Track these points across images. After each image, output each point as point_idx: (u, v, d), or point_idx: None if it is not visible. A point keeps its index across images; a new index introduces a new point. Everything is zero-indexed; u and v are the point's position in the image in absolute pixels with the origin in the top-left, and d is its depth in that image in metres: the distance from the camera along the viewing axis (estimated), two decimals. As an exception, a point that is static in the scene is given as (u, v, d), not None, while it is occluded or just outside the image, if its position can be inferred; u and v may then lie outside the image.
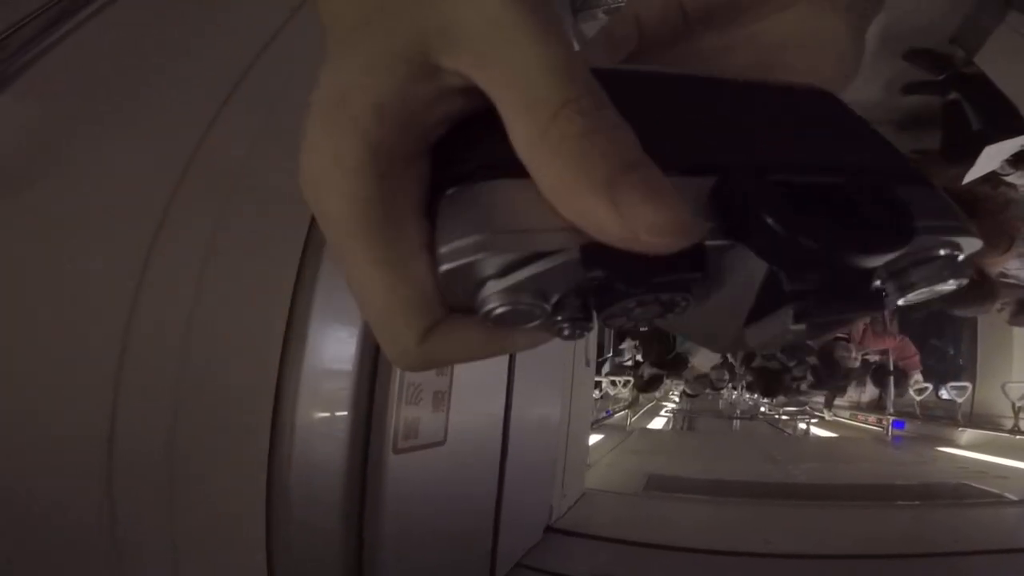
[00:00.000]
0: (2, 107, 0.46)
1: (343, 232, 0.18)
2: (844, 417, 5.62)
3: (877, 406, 5.05)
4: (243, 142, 0.67)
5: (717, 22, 0.28)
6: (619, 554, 1.57)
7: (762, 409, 6.44)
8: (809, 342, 4.16)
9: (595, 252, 0.16)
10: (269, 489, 0.71)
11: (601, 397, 4.87)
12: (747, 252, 0.17)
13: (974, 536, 1.71)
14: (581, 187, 0.15)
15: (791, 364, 4.91)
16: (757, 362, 5.13)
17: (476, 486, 1.23)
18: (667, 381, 5.70)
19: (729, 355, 5.27)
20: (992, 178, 2.36)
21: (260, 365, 0.70)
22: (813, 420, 5.68)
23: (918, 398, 4.20)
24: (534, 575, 1.40)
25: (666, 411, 6.45)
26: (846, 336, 4.07)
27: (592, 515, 1.89)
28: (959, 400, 3.95)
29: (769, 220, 0.16)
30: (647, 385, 5.00)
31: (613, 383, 5.09)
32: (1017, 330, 3.65)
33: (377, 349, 0.89)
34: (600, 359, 3.97)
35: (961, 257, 0.20)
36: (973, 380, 4.02)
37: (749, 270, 0.19)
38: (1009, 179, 2.52)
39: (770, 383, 5.15)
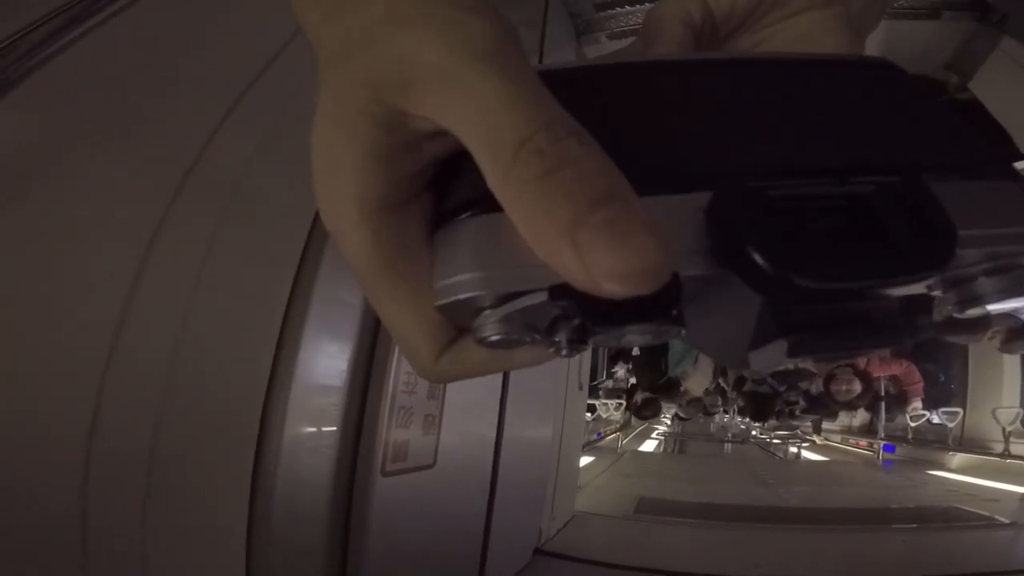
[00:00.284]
0: (2, 113, 0.46)
1: (357, 272, 0.20)
2: (835, 441, 5.63)
3: (868, 430, 5.07)
4: (242, 155, 0.68)
5: (741, 25, 0.29)
6: (609, 577, 1.55)
7: (753, 433, 6.44)
8: (811, 368, 4.18)
9: (561, 292, 0.15)
10: (252, 503, 0.70)
11: (593, 419, 4.86)
12: (738, 287, 0.16)
13: (966, 559, 1.70)
14: (546, 231, 0.15)
15: (781, 389, 4.93)
16: (748, 386, 5.14)
17: (465, 508, 1.22)
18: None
19: (720, 380, 5.28)
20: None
21: (250, 376, 0.71)
22: (804, 444, 5.68)
23: (913, 424, 4.22)
24: (523, 598, 1.38)
25: (657, 434, 6.44)
26: (850, 363, 4.08)
27: (582, 538, 1.87)
28: (950, 425, 3.98)
29: (755, 256, 0.15)
30: (642, 409, 4.99)
31: (606, 406, 5.08)
32: (1007, 357, 3.69)
33: (369, 368, 0.89)
34: (593, 383, 3.97)
35: None
36: (964, 405, 4.05)
37: (748, 295, 0.17)
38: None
39: (760, 408, 5.15)
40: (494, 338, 0.18)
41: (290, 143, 0.69)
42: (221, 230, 0.64)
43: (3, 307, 0.47)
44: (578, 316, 0.16)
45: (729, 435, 6.37)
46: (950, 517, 2.37)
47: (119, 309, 0.54)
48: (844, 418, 5.36)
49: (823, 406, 4.60)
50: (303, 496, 0.79)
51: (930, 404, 4.18)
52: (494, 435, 1.30)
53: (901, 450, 4.42)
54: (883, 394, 4.43)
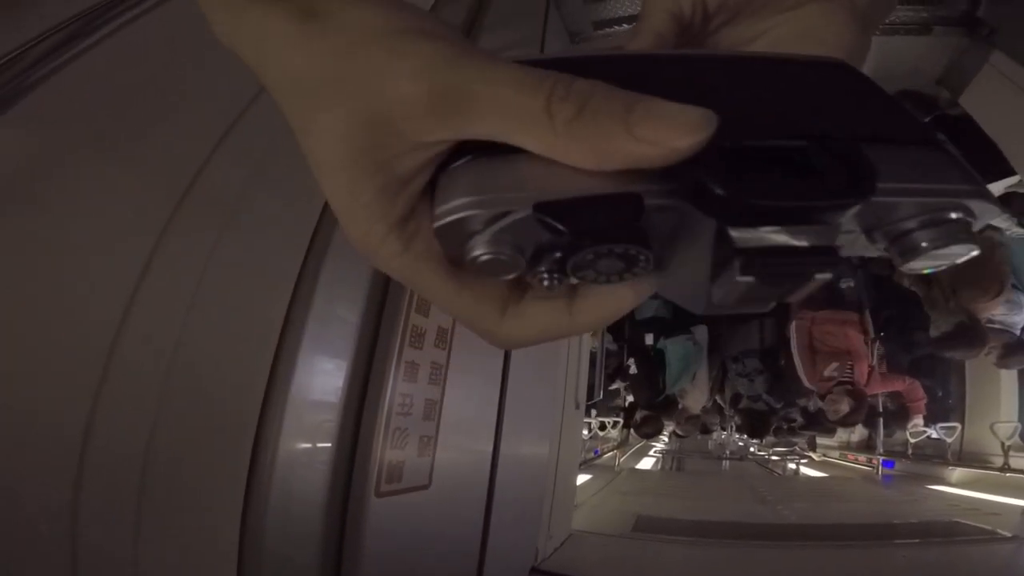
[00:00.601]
0: (4, 127, 0.47)
1: (405, 281, 0.23)
2: (834, 457, 5.62)
3: (867, 446, 5.06)
4: (240, 172, 0.69)
5: (734, 17, 0.31)
6: (606, 597, 1.54)
7: (751, 450, 6.42)
8: (812, 388, 4.17)
9: (543, 207, 0.19)
10: (244, 521, 0.70)
11: (591, 437, 4.83)
12: (695, 215, 0.19)
13: (970, 573, 1.70)
14: (607, 145, 0.18)
15: (778, 406, 4.93)
16: (744, 404, 5.14)
17: (460, 528, 1.21)
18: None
19: (717, 397, 5.27)
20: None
21: (245, 393, 0.71)
22: (803, 460, 5.66)
23: (913, 440, 4.22)
24: (519, 618, 1.37)
25: (655, 451, 6.42)
26: (850, 380, 4.07)
27: (579, 557, 1.86)
28: (948, 440, 3.98)
29: (709, 184, 0.18)
30: (642, 427, 4.97)
31: (603, 425, 5.06)
32: (1004, 372, 3.71)
33: (364, 388, 0.90)
34: (590, 401, 3.97)
35: (976, 223, 0.20)
36: (962, 420, 4.06)
37: (701, 227, 0.20)
38: (995, 223, 2.58)
39: (756, 424, 5.14)
40: (484, 257, 0.20)
41: (286, 161, 0.70)
42: (219, 245, 0.65)
43: (3, 312, 0.47)
44: (558, 226, 0.19)
45: (727, 452, 6.35)
46: (952, 532, 2.36)
47: (117, 320, 0.55)
48: (842, 434, 5.35)
49: (820, 423, 4.60)
50: (297, 515, 0.79)
51: (929, 419, 4.19)
52: (490, 454, 1.30)
53: (900, 465, 4.41)
54: (881, 410, 4.43)
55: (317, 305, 0.79)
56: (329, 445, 0.84)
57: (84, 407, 0.52)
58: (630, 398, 5.15)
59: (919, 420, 4.16)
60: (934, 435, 4.13)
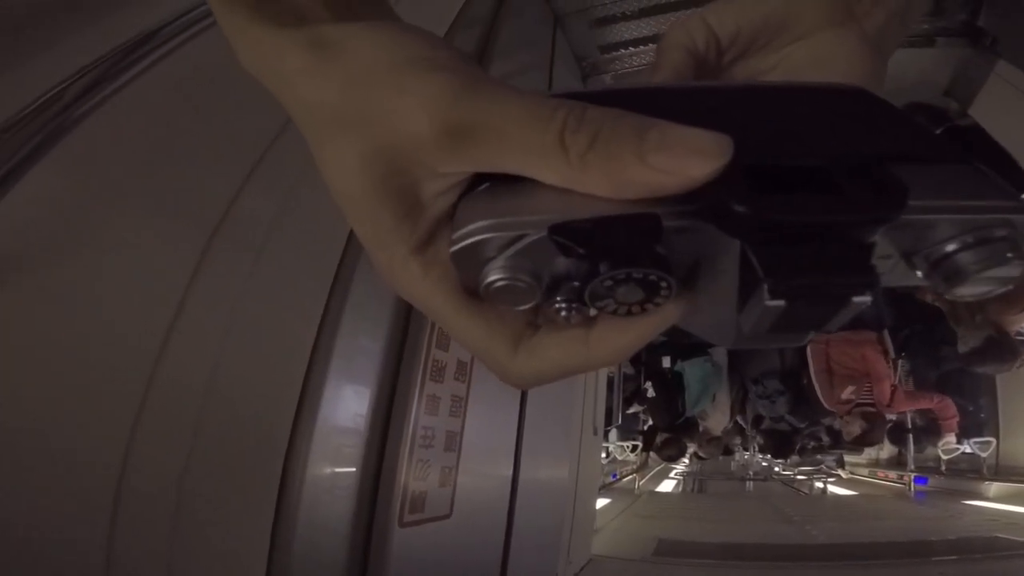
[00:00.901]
0: (48, 168, 0.50)
1: (422, 307, 0.23)
2: (863, 475, 5.55)
3: (897, 463, 5.00)
4: (269, 207, 0.73)
5: (749, 48, 0.31)
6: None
7: (776, 469, 6.34)
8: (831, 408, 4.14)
9: (558, 228, 0.19)
10: (272, 547, 0.73)
11: (609, 461, 4.81)
12: (718, 237, 0.19)
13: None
14: (622, 175, 0.18)
15: (801, 426, 4.89)
16: (766, 424, 5.10)
17: (481, 555, 1.23)
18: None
19: (739, 418, 5.23)
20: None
21: (275, 424, 0.74)
22: (830, 479, 5.59)
23: (946, 457, 4.16)
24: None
25: (675, 473, 6.36)
26: (869, 402, 4.04)
27: (600, 582, 1.85)
28: (983, 455, 3.93)
29: (730, 202, 0.18)
30: (663, 449, 4.94)
31: (622, 448, 5.04)
32: (1037, 384, 3.67)
33: (387, 421, 0.93)
34: (608, 427, 3.96)
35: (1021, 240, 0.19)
36: (996, 434, 4.00)
37: (726, 252, 0.20)
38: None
39: (780, 445, 5.10)
40: (500, 282, 0.20)
41: (313, 191, 0.74)
42: (251, 276, 0.69)
43: (44, 349, 0.51)
44: (574, 246, 0.19)
45: (750, 473, 6.27)
46: (993, 547, 2.33)
47: (156, 351, 0.58)
48: (871, 451, 5.30)
49: (845, 442, 4.56)
50: (322, 544, 0.82)
51: (961, 435, 4.12)
52: (509, 482, 1.32)
53: (934, 481, 4.34)
54: (910, 426, 4.38)
55: (342, 339, 0.82)
56: (354, 477, 0.87)
57: (122, 439, 0.56)
58: (649, 421, 5.13)
59: (951, 438, 4.10)
60: (968, 450, 4.07)
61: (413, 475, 0.93)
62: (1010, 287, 0.20)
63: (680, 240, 0.20)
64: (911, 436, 4.38)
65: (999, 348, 3.11)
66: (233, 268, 0.67)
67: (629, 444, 5.10)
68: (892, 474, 4.92)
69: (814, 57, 0.30)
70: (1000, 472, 3.87)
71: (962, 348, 3.28)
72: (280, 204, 0.73)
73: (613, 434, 4.90)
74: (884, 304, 3.94)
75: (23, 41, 0.53)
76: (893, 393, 3.93)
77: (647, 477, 5.50)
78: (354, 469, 0.87)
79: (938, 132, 0.23)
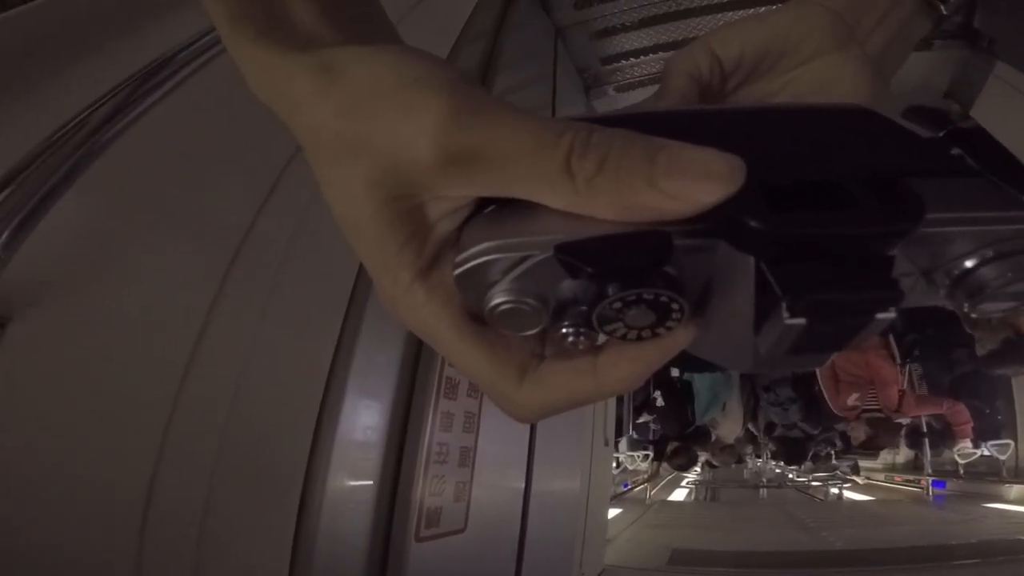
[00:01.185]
0: (70, 200, 0.51)
1: (423, 335, 0.23)
2: (879, 479, 5.52)
3: (913, 467, 4.97)
4: (287, 226, 0.75)
5: (753, 73, 0.32)
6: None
7: (790, 476, 6.32)
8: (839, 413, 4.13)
9: (564, 248, 0.19)
10: (294, 557, 0.75)
11: (620, 471, 4.81)
12: (732, 256, 0.19)
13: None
14: (632, 200, 0.18)
15: (815, 432, 4.88)
16: (779, 432, 5.09)
17: (495, 567, 1.25)
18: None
19: (751, 426, 5.22)
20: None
21: (294, 445, 0.76)
22: (846, 484, 5.58)
23: (963, 462, 4.15)
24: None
25: (687, 482, 6.35)
26: (875, 408, 4.03)
27: (614, 592, 1.85)
28: (1002, 457, 3.91)
29: (742, 217, 0.17)
30: (673, 458, 4.93)
31: (633, 458, 5.04)
32: (1055, 384, 3.66)
33: (403, 437, 0.95)
34: (618, 437, 3.96)
35: None
36: (1014, 436, 3.98)
37: (740, 271, 0.19)
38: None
39: (792, 451, 5.09)
40: (505, 305, 0.20)
41: (325, 217, 0.76)
42: (270, 301, 0.71)
43: (74, 372, 0.52)
44: (580, 265, 0.18)
45: (764, 480, 6.25)
46: (1016, 550, 2.32)
47: (180, 375, 0.60)
48: (887, 456, 5.28)
49: (848, 448, 4.54)
50: (342, 557, 0.84)
51: (978, 438, 4.11)
52: (522, 494, 1.34)
53: (952, 485, 4.31)
54: (925, 430, 4.37)
55: (359, 358, 0.84)
56: (371, 492, 0.89)
57: (151, 455, 0.57)
58: (657, 429, 5.12)
59: (967, 443, 4.09)
60: (985, 453, 4.06)
61: (429, 490, 0.95)
62: None
63: (691, 260, 0.19)
64: (927, 440, 4.37)
65: (1018, 350, 3.10)
66: (253, 290, 0.69)
67: (640, 454, 5.10)
68: (910, 478, 4.89)
69: (818, 81, 0.31)
70: (1020, 474, 3.84)
71: (980, 351, 3.27)
72: (295, 226, 0.75)
73: (624, 444, 4.91)
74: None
75: (37, 70, 0.56)
76: (902, 398, 3.92)
77: (659, 486, 5.48)
78: (372, 483, 0.89)
79: (941, 135, 0.23)
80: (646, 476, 5.34)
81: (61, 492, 0.51)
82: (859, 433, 4.11)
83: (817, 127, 0.24)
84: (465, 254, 0.20)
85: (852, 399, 4.00)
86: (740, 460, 5.84)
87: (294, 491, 0.75)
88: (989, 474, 4.07)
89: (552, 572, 1.59)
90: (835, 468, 5.61)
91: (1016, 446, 3.92)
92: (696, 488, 6.16)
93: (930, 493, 4.39)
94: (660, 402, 4.63)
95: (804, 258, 0.17)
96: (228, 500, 0.65)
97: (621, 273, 0.18)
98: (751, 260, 0.18)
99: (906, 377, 4.01)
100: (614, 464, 4.33)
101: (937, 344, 3.92)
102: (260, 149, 0.73)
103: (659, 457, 5.14)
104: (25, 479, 0.48)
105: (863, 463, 5.55)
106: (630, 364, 0.22)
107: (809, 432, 4.88)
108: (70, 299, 0.53)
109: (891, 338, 3.94)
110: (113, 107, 0.54)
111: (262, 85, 0.22)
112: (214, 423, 0.64)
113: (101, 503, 0.54)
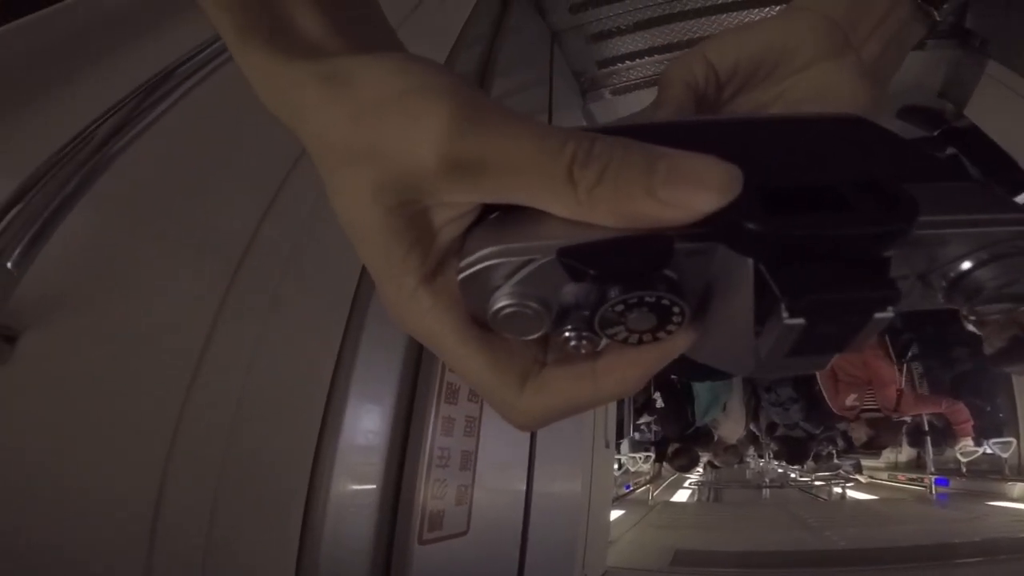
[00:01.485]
0: (78, 213, 0.51)
1: (425, 340, 0.23)
2: (882, 478, 5.52)
3: (916, 465, 4.97)
4: (290, 234, 0.75)
5: (748, 81, 0.32)
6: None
7: (792, 476, 6.32)
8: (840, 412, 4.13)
9: (567, 251, 0.19)
10: (299, 562, 0.76)
11: (622, 472, 4.82)
12: (731, 259, 0.19)
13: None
14: (632, 209, 0.19)
15: (817, 432, 4.88)
16: (780, 431, 5.09)
17: (497, 569, 1.26)
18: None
19: (752, 426, 5.22)
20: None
21: (300, 444, 0.77)
22: (849, 484, 5.58)
23: (965, 460, 4.15)
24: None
25: (690, 483, 6.35)
26: (874, 408, 4.03)
27: (617, 594, 1.86)
28: (1004, 455, 3.91)
29: (741, 221, 0.18)
30: (675, 459, 4.93)
31: (634, 459, 5.04)
32: (1056, 381, 3.66)
33: (405, 442, 0.96)
34: (619, 439, 3.96)
35: None
36: (1017, 434, 3.98)
37: (739, 274, 0.19)
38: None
39: (794, 451, 5.09)
40: (508, 309, 0.20)
41: (328, 223, 0.77)
42: (273, 309, 0.72)
43: (85, 385, 0.53)
44: (583, 268, 0.19)
45: (766, 480, 6.25)
46: (1019, 547, 2.33)
47: (187, 384, 0.61)
48: (890, 454, 5.28)
49: (852, 447, 4.54)
50: (346, 562, 0.85)
51: (980, 436, 4.10)
52: (523, 498, 1.35)
53: (956, 483, 4.31)
54: (927, 428, 4.37)
55: (361, 365, 0.85)
56: (374, 496, 0.90)
57: (158, 462, 0.58)
58: (657, 431, 5.12)
59: (968, 441, 4.08)
60: (988, 451, 4.06)
61: (431, 494, 0.96)
62: None
63: (691, 263, 0.20)
64: (929, 439, 4.37)
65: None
66: (256, 298, 0.70)
67: (642, 455, 5.10)
68: (913, 477, 4.89)
69: (814, 89, 0.31)
70: (1023, 472, 3.84)
71: (987, 349, 3.25)
72: (297, 235, 0.76)
73: (625, 445, 4.92)
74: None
75: (41, 83, 0.56)
76: (899, 397, 3.92)
77: (661, 487, 5.48)
78: (374, 488, 0.90)
79: (935, 134, 0.24)
80: (648, 477, 5.34)
81: (71, 502, 0.51)
82: (860, 434, 4.11)
83: (812, 136, 0.25)
84: (469, 259, 0.20)
85: (851, 399, 4.00)
86: (742, 460, 5.84)
87: (299, 496, 0.76)
88: (992, 472, 4.07)
89: (555, 573, 1.60)
90: (837, 467, 5.61)
91: (1018, 444, 3.91)
92: (699, 489, 6.16)
93: (933, 491, 4.38)
94: (660, 403, 4.63)
95: (802, 260, 0.18)
96: (234, 506, 0.66)
97: (623, 276, 0.19)
98: (750, 262, 0.18)
99: (905, 376, 4.00)
100: (616, 466, 4.33)
101: (936, 343, 3.91)
102: (262, 159, 0.74)
103: (661, 458, 5.14)
104: (36, 489, 0.49)
105: (866, 462, 5.55)
106: (629, 368, 0.22)
107: (811, 432, 4.88)
108: (79, 312, 0.54)
109: (887, 338, 3.94)
110: (118, 121, 0.55)
111: (269, 94, 0.22)
112: (219, 431, 0.65)
113: (110, 511, 0.55)
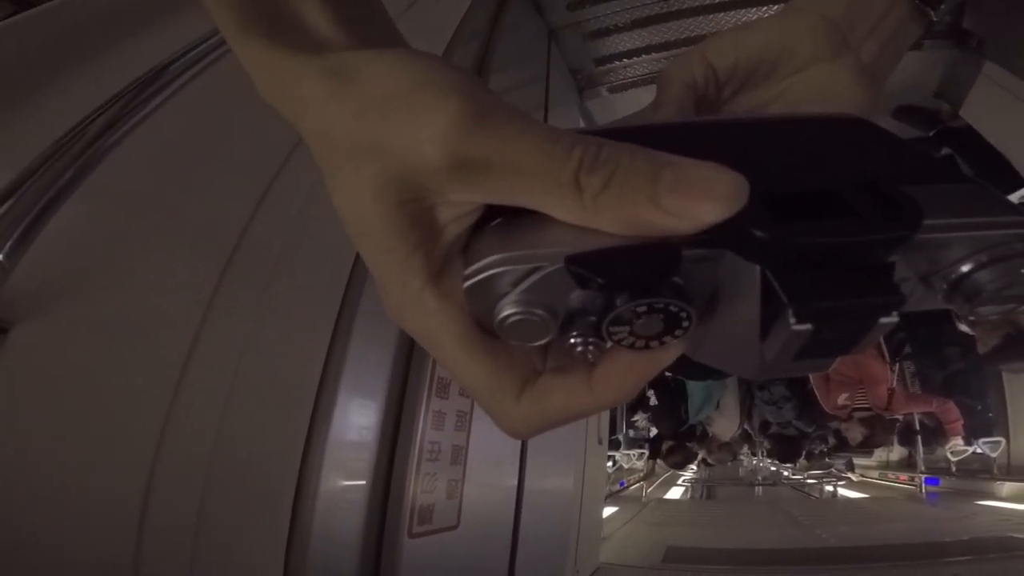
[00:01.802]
0: (69, 208, 0.51)
1: (425, 343, 0.23)
2: (873, 477, 5.56)
3: (907, 464, 5.00)
4: (281, 230, 0.76)
5: (747, 81, 0.32)
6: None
7: (785, 474, 6.35)
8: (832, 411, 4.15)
9: (574, 259, 0.19)
10: (288, 556, 0.76)
11: (615, 469, 4.83)
12: (738, 265, 0.19)
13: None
14: (636, 217, 0.19)
15: (809, 430, 4.90)
16: (773, 429, 5.12)
17: (488, 564, 1.26)
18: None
19: (745, 424, 5.24)
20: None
21: (289, 438, 0.77)
22: (840, 482, 5.61)
23: (955, 459, 4.17)
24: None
25: (683, 480, 6.38)
26: (865, 407, 4.05)
27: (609, 590, 1.85)
28: (993, 455, 3.94)
29: (748, 228, 0.18)
30: (669, 457, 4.95)
31: (628, 456, 5.06)
32: (1047, 381, 3.68)
33: (395, 435, 0.96)
34: (613, 436, 3.98)
35: None
36: (1007, 433, 4.00)
37: (745, 281, 0.19)
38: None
39: (787, 449, 5.12)
40: (514, 317, 0.20)
41: (320, 219, 0.78)
42: (263, 304, 0.72)
43: (74, 380, 0.53)
44: (591, 276, 0.19)
45: (759, 478, 6.28)
46: (1006, 547, 2.34)
47: (176, 379, 0.62)
48: (881, 453, 5.31)
49: (844, 445, 4.57)
50: (335, 555, 0.85)
51: (970, 435, 4.12)
52: (515, 492, 1.35)
53: (946, 482, 4.34)
54: (918, 428, 4.39)
55: (351, 359, 0.86)
56: (364, 490, 0.90)
57: (143, 472, 0.58)
58: (654, 429, 5.14)
59: (958, 440, 4.10)
60: (978, 451, 4.08)
61: (421, 488, 0.97)
62: None
63: (698, 269, 0.20)
64: (920, 438, 4.39)
65: (1019, 345, 3.10)
66: (247, 292, 0.70)
67: (635, 452, 5.11)
68: (903, 475, 4.92)
69: (813, 89, 0.31)
70: (1012, 471, 3.86)
71: (982, 348, 3.26)
72: (289, 230, 0.76)
73: (619, 442, 4.93)
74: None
75: (35, 79, 0.57)
76: (890, 396, 3.93)
77: (655, 484, 5.50)
78: (364, 482, 0.91)
79: (931, 134, 0.24)
80: (642, 474, 5.36)
81: (60, 496, 0.51)
82: (856, 434, 4.12)
83: (813, 138, 0.25)
84: (475, 266, 0.20)
85: (842, 398, 4.02)
86: (735, 458, 5.87)
87: (288, 490, 0.76)
88: (982, 472, 4.09)
89: (546, 568, 1.60)
90: (830, 466, 5.64)
91: (1008, 443, 3.94)
92: (692, 486, 6.19)
93: (923, 490, 4.41)
94: (654, 401, 4.64)
95: (808, 266, 0.18)
96: (222, 502, 0.66)
97: (630, 284, 0.19)
98: (757, 269, 0.19)
99: (897, 375, 4.02)
100: (609, 462, 4.35)
101: (929, 342, 3.93)
102: (253, 155, 0.75)
103: (654, 455, 5.16)
104: (24, 483, 0.49)
105: (858, 460, 5.59)
106: (624, 375, 0.22)
107: (804, 430, 4.91)
108: (69, 305, 0.54)
109: (881, 338, 3.93)
110: (111, 116, 0.55)
111: (270, 88, 0.22)
112: (209, 425, 0.65)
113: (99, 506, 0.55)
